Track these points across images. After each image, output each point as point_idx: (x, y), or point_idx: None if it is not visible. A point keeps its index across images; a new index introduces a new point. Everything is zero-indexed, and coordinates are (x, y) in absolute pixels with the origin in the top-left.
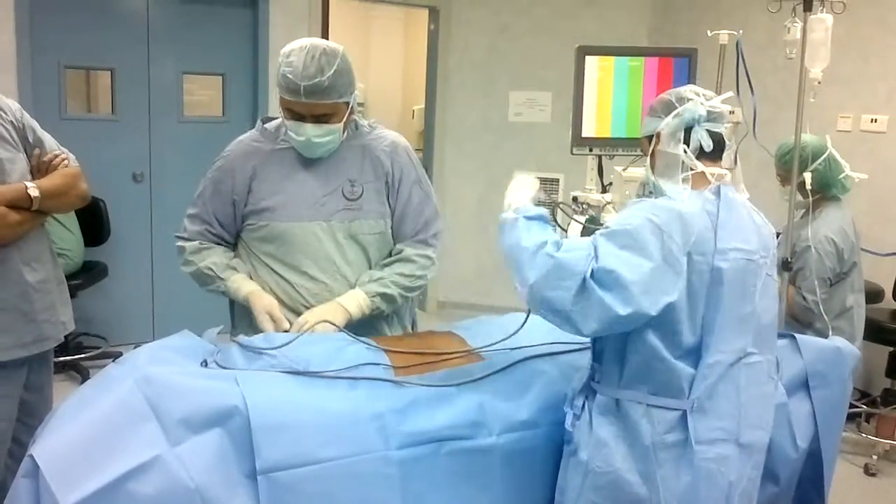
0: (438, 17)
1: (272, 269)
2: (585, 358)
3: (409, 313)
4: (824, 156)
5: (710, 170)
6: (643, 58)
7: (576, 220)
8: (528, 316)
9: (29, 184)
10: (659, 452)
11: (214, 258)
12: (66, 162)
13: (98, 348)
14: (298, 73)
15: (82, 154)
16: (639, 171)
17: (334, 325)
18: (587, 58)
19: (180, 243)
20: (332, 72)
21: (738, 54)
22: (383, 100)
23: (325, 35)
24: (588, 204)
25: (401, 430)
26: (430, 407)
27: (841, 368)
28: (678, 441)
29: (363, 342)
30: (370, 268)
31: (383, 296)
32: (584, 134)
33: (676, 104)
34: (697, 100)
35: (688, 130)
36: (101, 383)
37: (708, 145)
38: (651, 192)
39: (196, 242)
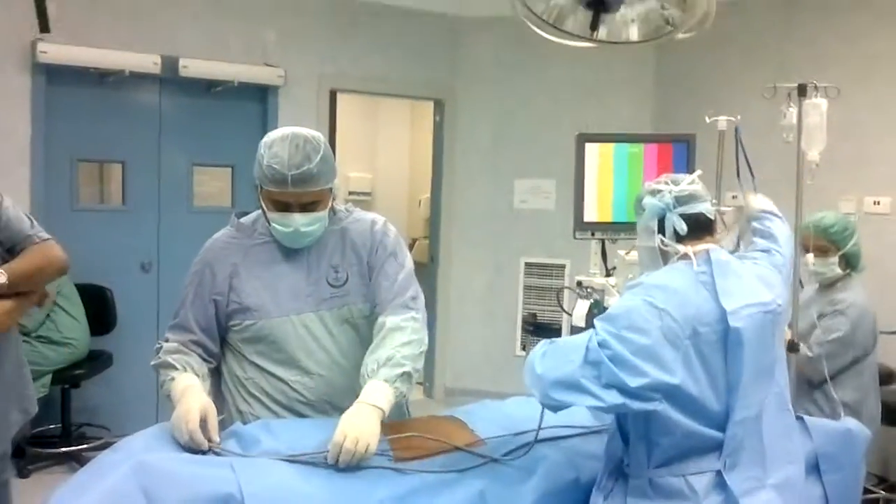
0: (444, 109)
1: (264, 369)
2: (590, 443)
3: None
4: (857, 236)
5: (695, 249)
6: (642, 144)
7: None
8: (542, 413)
9: None
10: None
11: (188, 358)
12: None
13: (100, 439)
14: (285, 163)
15: (93, 243)
16: None
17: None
18: (587, 145)
19: (158, 345)
20: (318, 159)
21: (736, 140)
22: (390, 190)
23: (332, 127)
24: (592, 288)
25: None
26: (430, 494)
27: (853, 451)
28: (719, 502)
29: None
30: (365, 350)
31: (402, 376)
32: (587, 219)
33: (646, 197)
34: (666, 189)
35: (661, 220)
36: (96, 470)
37: (682, 229)
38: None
39: (176, 344)
